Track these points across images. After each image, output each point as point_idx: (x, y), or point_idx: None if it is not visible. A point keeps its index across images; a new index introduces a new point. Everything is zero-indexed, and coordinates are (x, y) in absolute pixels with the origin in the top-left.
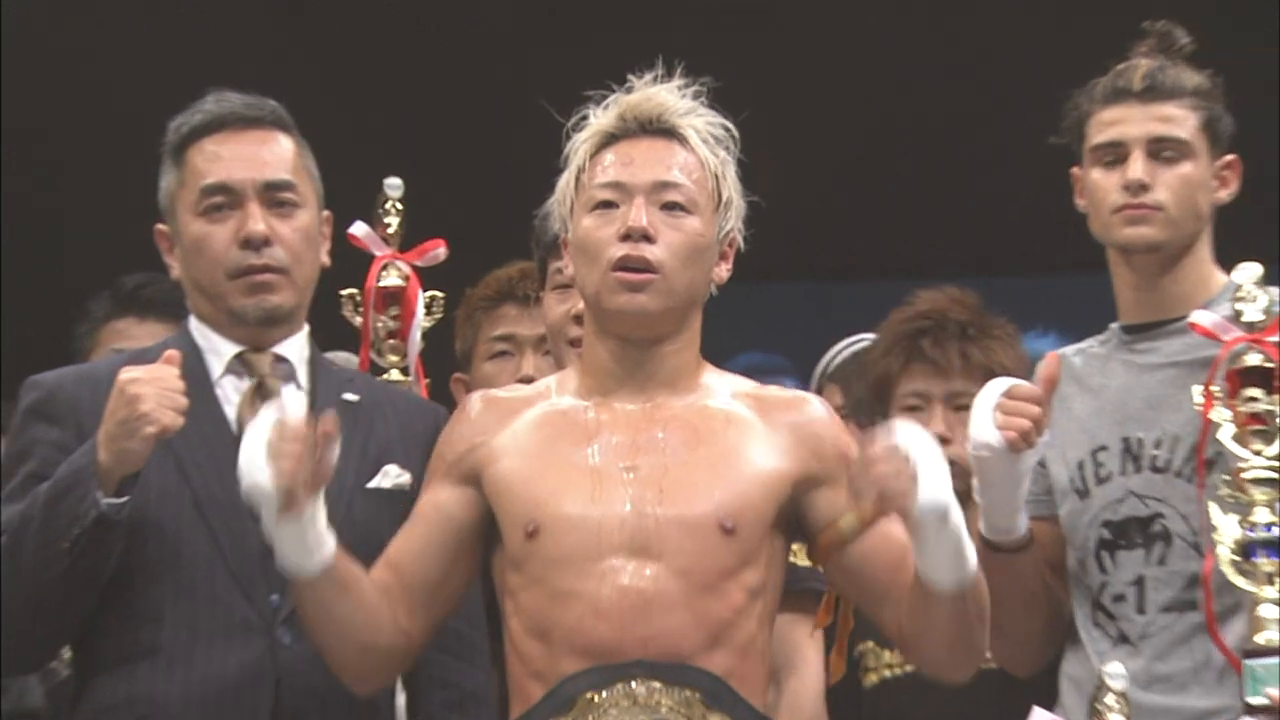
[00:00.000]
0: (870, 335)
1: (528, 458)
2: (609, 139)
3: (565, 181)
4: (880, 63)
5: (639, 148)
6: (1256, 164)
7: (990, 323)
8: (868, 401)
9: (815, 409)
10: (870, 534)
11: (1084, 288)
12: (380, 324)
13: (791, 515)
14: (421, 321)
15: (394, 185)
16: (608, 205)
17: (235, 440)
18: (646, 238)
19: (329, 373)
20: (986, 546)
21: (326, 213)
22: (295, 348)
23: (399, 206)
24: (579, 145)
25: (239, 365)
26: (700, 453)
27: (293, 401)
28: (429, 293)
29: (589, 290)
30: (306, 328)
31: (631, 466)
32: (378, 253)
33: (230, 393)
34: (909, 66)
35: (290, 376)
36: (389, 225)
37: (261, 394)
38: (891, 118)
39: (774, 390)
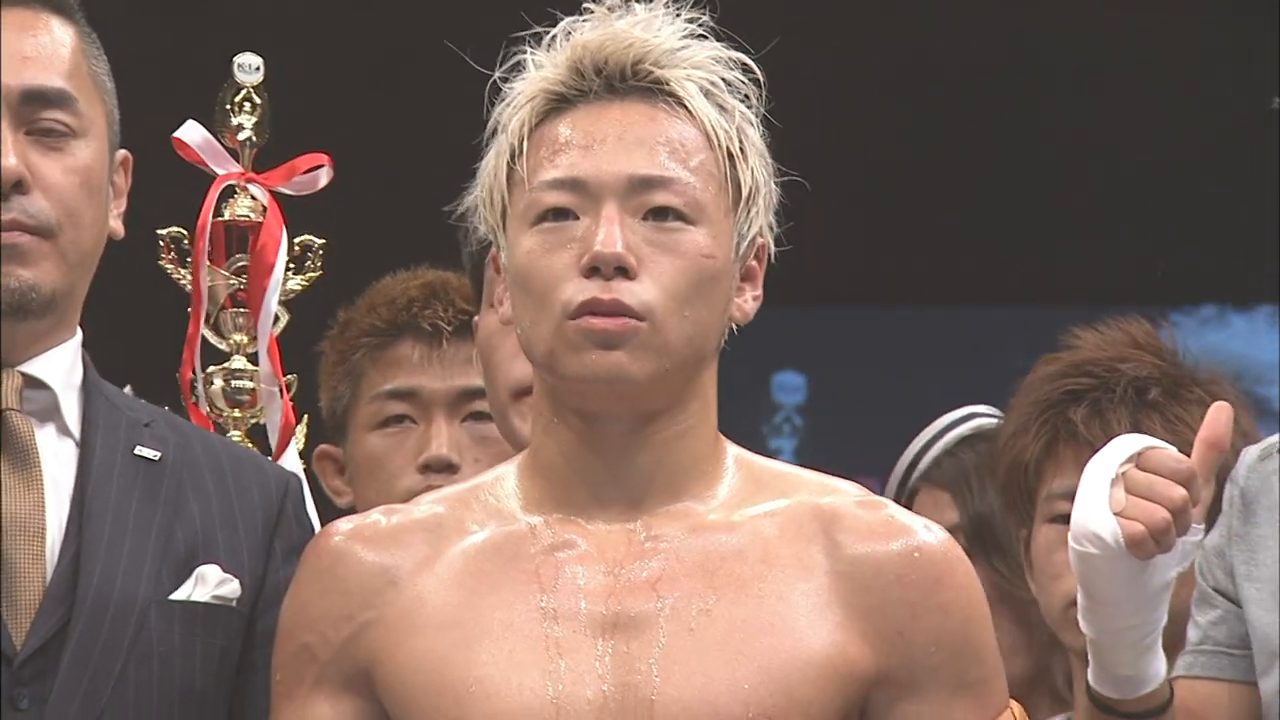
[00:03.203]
0: (986, 410)
1: (447, 628)
2: (557, 103)
3: (491, 170)
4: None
5: (606, 119)
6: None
7: (1185, 377)
8: (999, 507)
9: (929, 555)
10: None
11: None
12: (220, 280)
13: None
14: (283, 280)
15: (249, 65)
16: (560, 215)
17: None
18: (623, 271)
19: (113, 409)
20: (1095, 708)
21: (123, 152)
22: (59, 364)
23: (256, 100)
24: (511, 113)
25: None
26: (719, 612)
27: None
28: (300, 238)
29: (537, 349)
30: (79, 335)
31: (609, 627)
32: (219, 170)
33: None
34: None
35: (50, 412)
36: (239, 129)
37: (2, 439)
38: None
39: (853, 502)
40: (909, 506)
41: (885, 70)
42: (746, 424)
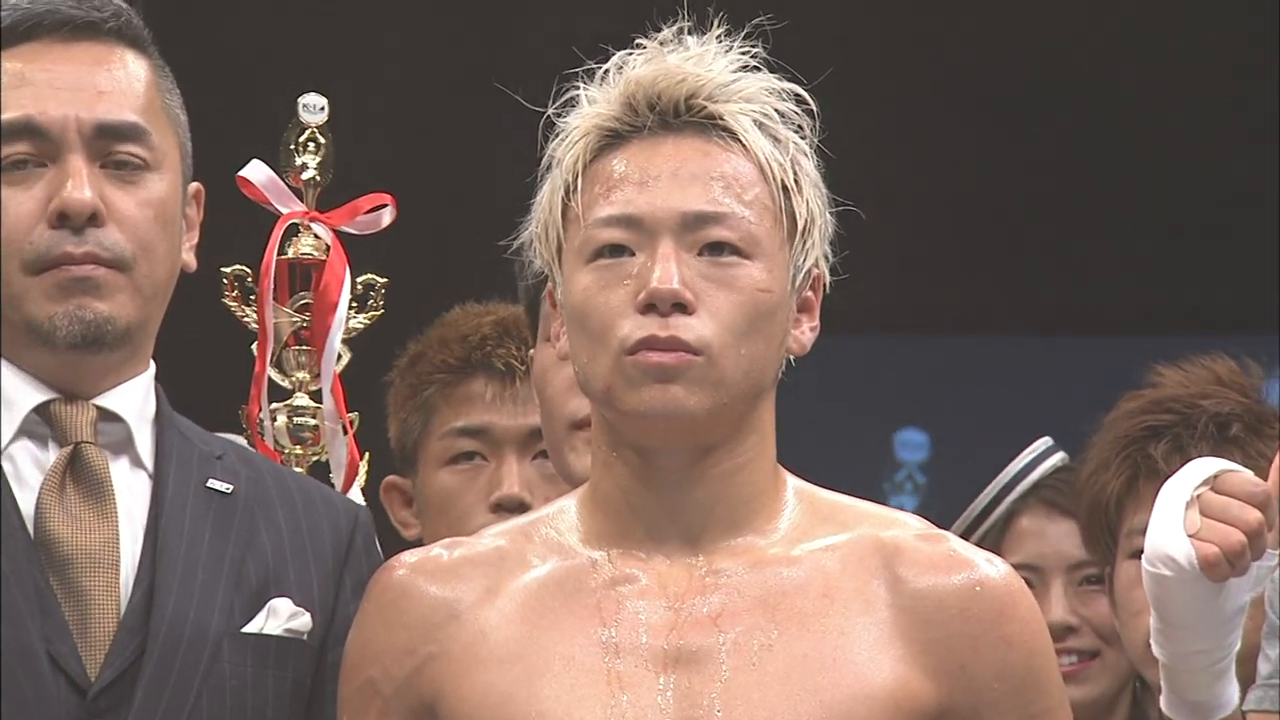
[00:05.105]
0: (1042, 446)
1: (509, 663)
2: (611, 139)
3: (546, 205)
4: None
5: (660, 154)
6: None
7: (1268, 414)
8: (1085, 540)
9: (991, 589)
10: None
11: None
12: (284, 318)
13: None
14: (347, 318)
15: (313, 105)
16: (616, 251)
17: (30, 544)
18: (681, 307)
19: (186, 442)
20: None
21: (196, 185)
22: (133, 397)
23: (321, 140)
24: (565, 149)
25: (40, 424)
26: (780, 647)
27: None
28: (363, 277)
29: (595, 384)
30: (152, 368)
31: (671, 662)
32: (283, 209)
33: (25, 467)
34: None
35: (124, 445)
36: (303, 169)
37: (77, 472)
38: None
39: (914, 535)
40: (1005, 530)
41: (967, 89)
42: (869, 482)
